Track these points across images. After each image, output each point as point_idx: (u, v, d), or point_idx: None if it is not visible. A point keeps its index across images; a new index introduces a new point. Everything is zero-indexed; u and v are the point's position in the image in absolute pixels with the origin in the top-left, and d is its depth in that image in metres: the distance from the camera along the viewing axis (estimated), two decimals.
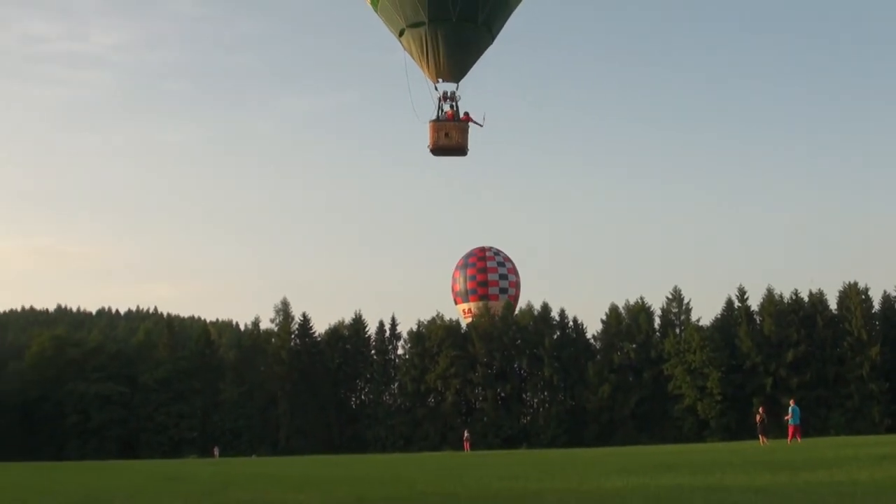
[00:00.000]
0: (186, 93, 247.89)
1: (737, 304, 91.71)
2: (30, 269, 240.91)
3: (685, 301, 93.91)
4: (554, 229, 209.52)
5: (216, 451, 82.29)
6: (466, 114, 30.96)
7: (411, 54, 31.25)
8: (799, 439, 43.96)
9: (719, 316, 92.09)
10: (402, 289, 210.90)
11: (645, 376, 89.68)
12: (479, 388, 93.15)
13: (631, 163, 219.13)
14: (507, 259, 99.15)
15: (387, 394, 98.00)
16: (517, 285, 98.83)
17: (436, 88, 30.87)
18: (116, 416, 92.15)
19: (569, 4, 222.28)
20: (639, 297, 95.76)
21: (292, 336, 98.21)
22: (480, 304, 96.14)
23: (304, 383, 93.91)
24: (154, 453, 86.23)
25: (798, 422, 45.58)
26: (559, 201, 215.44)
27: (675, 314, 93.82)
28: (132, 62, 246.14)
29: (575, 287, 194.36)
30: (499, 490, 19.14)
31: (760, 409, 51.58)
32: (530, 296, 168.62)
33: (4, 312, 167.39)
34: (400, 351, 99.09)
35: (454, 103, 30.83)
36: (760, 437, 47.02)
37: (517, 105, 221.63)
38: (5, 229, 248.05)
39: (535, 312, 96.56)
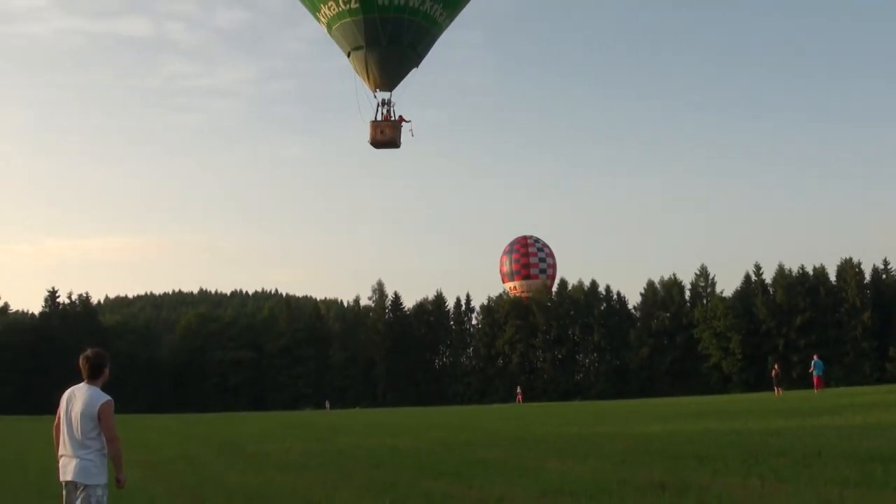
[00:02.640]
0: (298, 115, 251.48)
1: (753, 277, 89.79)
2: (178, 260, 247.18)
3: (710, 276, 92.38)
4: (601, 217, 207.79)
5: (327, 404, 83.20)
6: (401, 116, 32.84)
7: (357, 71, 33.24)
8: (816, 390, 42.87)
9: (739, 288, 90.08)
10: (474, 270, 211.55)
11: (678, 339, 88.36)
12: (540, 352, 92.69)
13: (666, 159, 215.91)
14: (545, 245, 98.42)
15: (463, 357, 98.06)
16: (554, 266, 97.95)
17: (374, 97, 32.85)
18: (247, 377, 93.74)
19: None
20: (672, 273, 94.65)
21: (386, 311, 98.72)
22: (523, 282, 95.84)
23: (397, 349, 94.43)
24: (277, 406, 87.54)
25: (820, 373, 44.35)
26: (603, 193, 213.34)
27: (702, 287, 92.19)
28: (255, 92, 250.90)
29: (618, 266, 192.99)
30: (559, 434, 19.13)
31: (776, 366, 50.45)
32: (581, 274, 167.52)
33: (159, 294, 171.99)
34: (474, 321, 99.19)
35: (389, 108, 32.82)
36: (776, 388, 46.03)
37: (553, 99, 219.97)
38: (159, 228, 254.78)
39: (585, 288, 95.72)
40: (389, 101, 32.94)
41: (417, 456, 15.57)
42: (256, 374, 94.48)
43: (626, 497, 9.29)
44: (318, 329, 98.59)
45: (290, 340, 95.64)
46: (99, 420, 6.67)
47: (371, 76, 32.67)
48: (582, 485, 10.17)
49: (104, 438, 6.72)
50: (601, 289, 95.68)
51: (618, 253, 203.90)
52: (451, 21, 34.14)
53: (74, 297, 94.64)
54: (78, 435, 6.67)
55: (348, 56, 33.43)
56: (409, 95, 36.37)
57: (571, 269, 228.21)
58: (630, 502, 9.08)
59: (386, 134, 32.38)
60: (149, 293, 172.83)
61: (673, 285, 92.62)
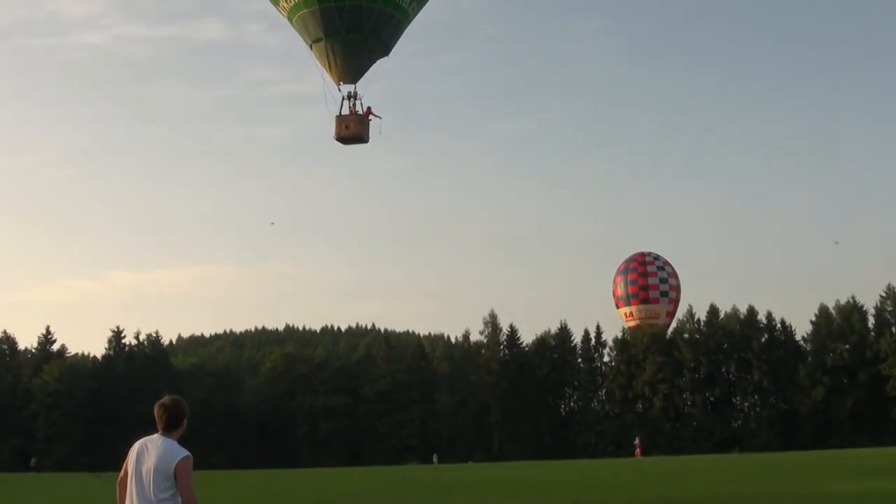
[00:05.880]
0: (396, 123, 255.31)
1: None
2: (261, 293, 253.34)
3: None
4: (755, 231, 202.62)
5: (435, 457, 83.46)
6: (369, 108, 35.49)
7: (320, 63, 36.07)
8: None
9: None
10: (604, 297, 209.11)
11: (860, 377, 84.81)
12: (687, 394, 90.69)
13: (834, 157, 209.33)
14: (667, 263, 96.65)
15: (595, 401, 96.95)
16: (677, 289, 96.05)
17: (339, 90, 35.57)
18: (342, 426, 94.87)
19: None
20: (850, 296, 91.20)
21: (501, 347, 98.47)
22: (641, 307, 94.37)
23: (515, 391, 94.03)
24: (377, 460, 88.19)
25: None
26: (757, 202, 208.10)
27: (889, 312, 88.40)
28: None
29: (781, 289, 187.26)
30: (717, 494, 18.48)
31: None
32: (736, 300, 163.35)
33: (240, 333, 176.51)
34: (606, 358, 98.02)
35: (355, 101, 35.44)
36: None
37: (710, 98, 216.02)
38: (239, 258, 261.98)
39: (741, 316, 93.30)
40: (355, 93, 35.55)
41: None
42: (352, 423, 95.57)
43: None
44: (422, 370, 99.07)
45: (390, 383, 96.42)
46: (176, 478, 6.73)
47: (333, 67, 35.46)
48: None
49: (180, 499, 6.77)
50: (761, 316, 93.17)
51: (780, 273, 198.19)
52: (420, 7, 36.69)
53: (142, 337, 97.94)
54: (150, 495, 6.73)
55: (311, 49, 36.30)
56: (387, 88, 39.67)
57: (720, 294, 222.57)
58: None
59: (351, 129, 35.17)
60: (228, 331, 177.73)
61: (852, 311, 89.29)
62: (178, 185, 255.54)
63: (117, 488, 7.05)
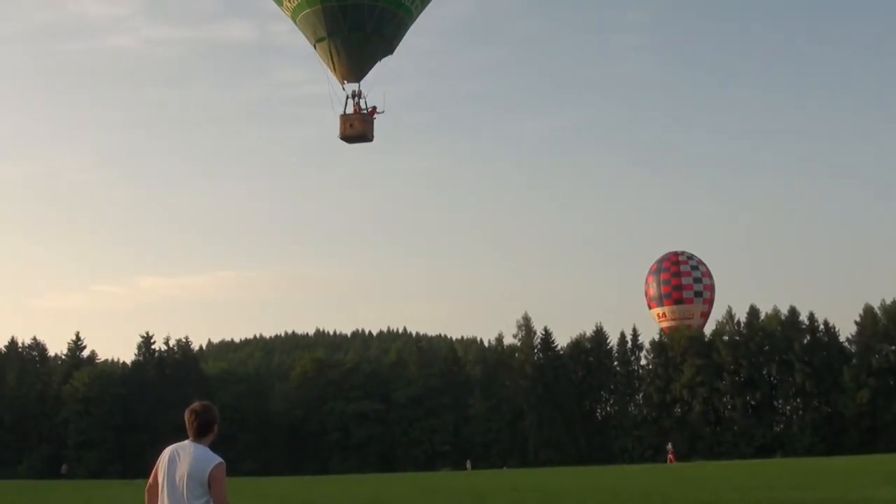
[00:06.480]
0: (424, 123, 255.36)
1: None
2: (290, 297, 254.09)
3: None
4: (795, 228, 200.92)
5: (468, 463, 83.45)
6: (373, 108, 36.46)
7: (324, 63, 37.14)
8: None
9: None
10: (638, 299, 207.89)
11: None
12: (727, 397, 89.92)
13: (873, 159, 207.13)
14: (701, 262, 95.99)
15: (632, 405, 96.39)
16: (712, 289, 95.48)
17: (343, 88, 36.65)
18: (374, 433, 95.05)
19: None
20: None
21: (535, 350, 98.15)
22: (675, 308, 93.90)
23: (549, 396, 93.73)
24: (409, 467, 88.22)
25: None
26: (799, 199, 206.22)
27: None
28: (375, 98, 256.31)
29: (824, 289, 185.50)
30: (759, 499, 18.35)
31: None
32: (776, 300, 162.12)
33: (270, 338, 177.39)
34: (643, 361, 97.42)
35: (359, 99, 36.37)
36: None
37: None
38: (266, 260, 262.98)
39: (782, 317, 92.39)
40: (359, 92, 36.57)
41: None
42: (384, 429, 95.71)
43: None
44: (454, 374, 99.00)
45: (422, 388, 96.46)
46: (210, 485, 6.78)
47: (336, 66, 36.52)
48: None
49: None
50: (803, 317, 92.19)
51: (823, 273, 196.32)
52: (423, 6, 37.74)
53: (172, 342, 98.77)
54: (185, 502, 6.79)
55: (315, 48, 37.29)
56: (390, 87, 41.37)
57: (758, 295, 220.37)
58: None
59: (356, 128, 36.20)
60: (258, 336, 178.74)
61: None
62: (206, 188, 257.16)
63: (146, 495, 7.12)
